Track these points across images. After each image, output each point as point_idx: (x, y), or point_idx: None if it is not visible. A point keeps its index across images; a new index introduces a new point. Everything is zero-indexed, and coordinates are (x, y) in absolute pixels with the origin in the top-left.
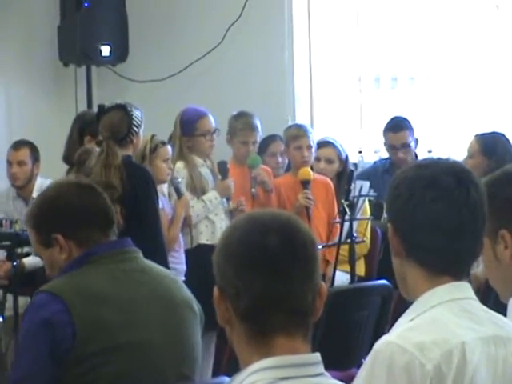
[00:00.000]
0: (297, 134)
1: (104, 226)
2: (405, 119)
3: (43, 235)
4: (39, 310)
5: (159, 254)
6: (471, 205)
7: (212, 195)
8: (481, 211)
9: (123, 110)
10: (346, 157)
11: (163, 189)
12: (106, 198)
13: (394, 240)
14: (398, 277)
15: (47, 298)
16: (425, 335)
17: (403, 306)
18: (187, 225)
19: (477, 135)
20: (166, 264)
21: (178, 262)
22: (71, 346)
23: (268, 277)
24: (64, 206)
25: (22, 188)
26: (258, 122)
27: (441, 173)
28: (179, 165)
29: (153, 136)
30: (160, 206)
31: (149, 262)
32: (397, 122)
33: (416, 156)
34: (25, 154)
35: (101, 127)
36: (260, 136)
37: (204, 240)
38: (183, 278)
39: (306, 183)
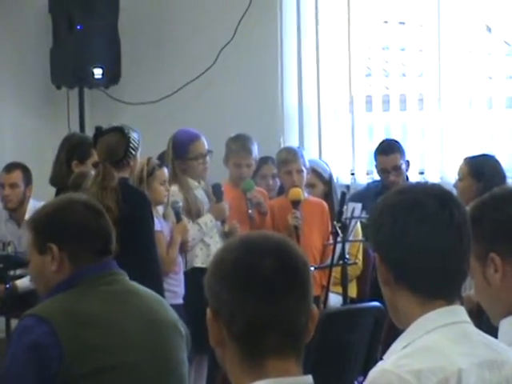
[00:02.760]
0: (286, 158)
1: (100, 249)
2: (396, 142)
3: (40, 240)
4: (25, 334)
5: (153, 277)
6: (455, 225)
7: (207, 218)
8: (465, 230)
9: (120, 132)
10: (330, 176)
11: (159, 210)
12: (109, 224)
13: (382, 269)
14: (388, 305)
15: (33, 321)
16: (421, 363)
17: (396, 327)
18: (184, 250)
19: (466, 158)
20: (160, 287)
21: (177, 284)
22: (59, 368)
23: (262, 299)
24: (68, 220)
25: (14, 210)
26: (253, 145)
27: (422, 196)
28: (174, 188)
29: (149, 159)
30: (159, 228)
31: (135, 284)
32: (388, 144)
33: (407, 178)
34: (17, 176)
35: (98, 149)
36: (255, 159)
37: (199, 263)
38: (181, 302)
39: (296, 203)
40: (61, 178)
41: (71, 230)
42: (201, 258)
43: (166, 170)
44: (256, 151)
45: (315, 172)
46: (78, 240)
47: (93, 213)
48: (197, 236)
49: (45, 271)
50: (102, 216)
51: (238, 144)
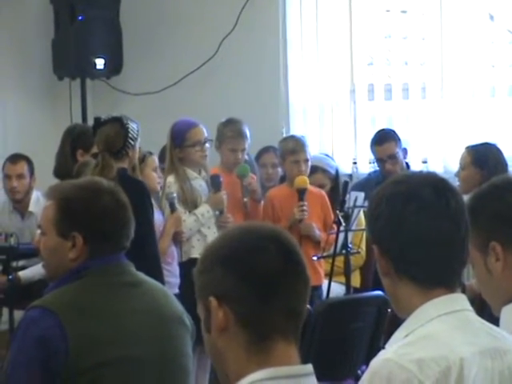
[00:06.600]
0: (294, 147)
1: (122, 246)
2: (390, 130)
3: (65, 224)
4: (32, 327)
5: (154, 267)
6: (452, 213)
7: (204, 209)
8: (462, 218)
9: (119, 122)
10: (337, 171)
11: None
12: (132, 218)
13: (382, 260)
14: (389, 296)
15: (40, 314)
16: (423, 351)
17: (399, 316)
18: (179, 240)
19: (468, 147)
20: (160, 278)
21: (171, 275)
22: (64, 361)
23: (272, 281)
24: (100, 212)
25: (19, 201)
26: (246, 129)
27: (418, 185)
28: (170, 179)
29: (139, 148)
30: None
31: (141, 276)
32: (381, 134)
33: (408, 166)
34: (23, 167)
35: (96, 140)
36: (249, 143)
37: (196, 254)
38: (177, 291)
39: (302, 192)
40: (66, 170)
41: (103, 225)
42: (198, 249)
43: (155, 157)
44: (248, 134)
45: (324, 172)
46: (107, 238)
47: (121, 207)
48: (193, 227)
49: (59, 254)
50: (128, 210)
51: (233, 129)
